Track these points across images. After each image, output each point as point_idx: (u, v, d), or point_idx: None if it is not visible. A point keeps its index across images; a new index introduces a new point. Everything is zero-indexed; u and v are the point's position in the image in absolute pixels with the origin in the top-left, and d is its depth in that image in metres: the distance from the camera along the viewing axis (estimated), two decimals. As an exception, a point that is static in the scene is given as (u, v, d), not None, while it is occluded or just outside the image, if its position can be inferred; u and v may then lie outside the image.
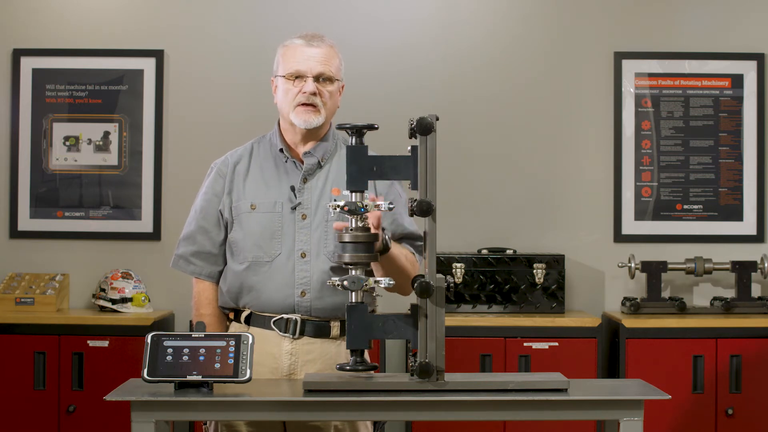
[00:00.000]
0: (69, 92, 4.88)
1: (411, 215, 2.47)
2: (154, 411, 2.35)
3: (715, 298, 4.75)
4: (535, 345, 4.42)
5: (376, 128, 2.62)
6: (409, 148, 2.47)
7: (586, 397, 2.42)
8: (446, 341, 2.42)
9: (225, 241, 2.93)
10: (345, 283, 2.44)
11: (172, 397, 2.37)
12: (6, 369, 4.40)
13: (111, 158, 4.88)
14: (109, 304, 4.62)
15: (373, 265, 2.71)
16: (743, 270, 4.68)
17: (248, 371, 2.40)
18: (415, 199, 2.43)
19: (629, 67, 4.89)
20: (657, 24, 4.92)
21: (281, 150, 2.91)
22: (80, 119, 4.88)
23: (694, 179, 4.89)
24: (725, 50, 4.90)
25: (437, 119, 2.43)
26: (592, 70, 4.91)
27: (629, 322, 4.44)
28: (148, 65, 4.87)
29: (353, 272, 2.47)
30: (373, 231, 2.52)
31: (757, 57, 4.89)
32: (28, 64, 4.88)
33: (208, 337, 2.44)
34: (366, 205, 2.46)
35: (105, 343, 4.39)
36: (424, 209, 2.41)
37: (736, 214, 4.89)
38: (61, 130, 4.87)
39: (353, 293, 2.46)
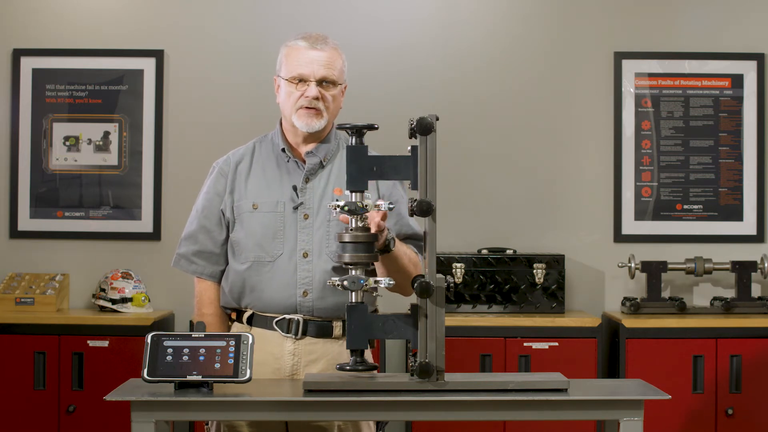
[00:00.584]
0: (69, 92, 4.88)
1: (411, 215, 2.47)
2: (154, 411, 2.35)
3: (715, 298, 4.75)
4: (535, 345, 4.42)
5: (376, 128, 2.62)
6: (409, 148, 2.47)
7: (586, 397, 2.42)
8: (446, 341, 2.42)
9: (227, 241, 2.92)
10: (345, 283, 2.44)
11: (172, 397, 2.37)
12: (6, 369, 4.40)
13: (111, 158, 4.88)
14: (109, 304, 4.62)
15: (376, 265, 2.71)
16: (743, 270, 4.68)
17: (248, 371, 2.40)
18: (415, 199, 2.43)
19: (629, 67, 4.89)
20: (657, 24, 4.93)
21: (283, 150, 2.90)
22: (80, 119, 4.88)
23: (694, 179, 4.89)
24: (725, 50, 4.90)
25: (437, 119, 2.43)
26: (592, 70, 4.91)
27: (629, 322, 4.44)
28: (148, 65, 4.87)
29: (353, 272, 2.47)
30: (376, 229, 2.52)
31: (757, 57, 4.89)
32: (28, 64, 4.88)
33: (208, 337, 2.44)
34: (366, 205, 2.46)
35: (105, 343, 4.39)
36: (424, 209, 2.41)
37: (736, 214, 4.89)
38: (61, 130, 4.87)
39: (353, 293, 2.46)
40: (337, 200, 2.47)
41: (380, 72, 4.87)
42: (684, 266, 4.71)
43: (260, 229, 2.85)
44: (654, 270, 4.68)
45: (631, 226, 4.89)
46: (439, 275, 2.42)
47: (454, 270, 4.56)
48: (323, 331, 2.84)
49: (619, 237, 4.89)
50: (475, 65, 4.92)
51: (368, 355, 2.80)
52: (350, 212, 2.46)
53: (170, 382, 2.39)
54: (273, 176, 2.90)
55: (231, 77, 4.90)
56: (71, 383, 4.39)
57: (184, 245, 2.97)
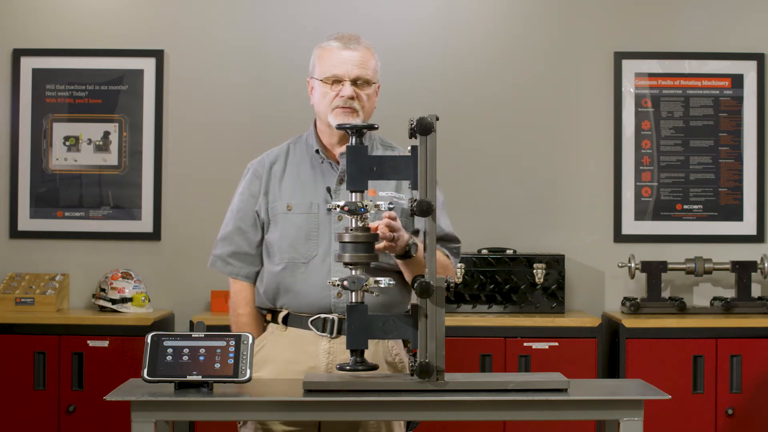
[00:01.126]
0: (69, 92, 4.88)
1: (411, 215, 2.47)
2: (154, 411, 2.35)
3: (715, 298, 4.75)
4: (535, 345, 4.42)
5: (376, 128, 2.63)
6: (409, 148, 2.48)
7: (586, 397, 2.42)
8: (446, 341, 2.42)
9: (262, 242, 2.93)
10: (345, 283, 2.44)
11: (172, 397, 2.37)
12: (6, 369, 4.40)
13: (111, 158, 4.88)
14: (109, 304, 4.62)
15: (401, 268, 2.73)
16: (743, 270, 4.68)
17: (248, 371, 2.40)
18: (415, 199, 2.43)
19: (629, 67, 4.89)
20: (657, 24, 4.93)
21: (317, 151, 2.91)
22: (80, 119, 4.88)
23: (694, 179, 4.89)
24: (725, 50, 4.90)
25: (437, 119, 2.43)
26: (592, 70, 4.91)
27: (629, 322, 4.44)
28: (148, 65, 4.87)
29: (353, 272, 2.47)
30: (388, 234, 2.52)
31: (757, 57, 4.89)
32: (28, 64, 4.88)
33: (208, 337, 2.44)
34: (366, 205, 2.46)
35: (105, 343, 4.39)
36: (424, 209, 2.41)
37: (736, 214, 4.89)
38: (61, 130, 4.87)
39: (353, 293, 2.46)
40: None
41: (380, 72, 4.85)
42: (684, 266, 4.71)
43: (294, 231, 2.85)
44: (654, 270, 4.68)
45: (631, 226, 4.89)
46: (439, 275, 2.42)
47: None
48: None
49: (619, 237, 4.89)
50: (475, 65, 4.92)
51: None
52: (350, 212, 2.46)
53: (170, 382, 2.39)
54: (307, 178, 2.90)
55: (231, 77, 4.90)
56: (71, 383, 4.39)
57: (219, 246, 2.98)
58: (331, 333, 2.81)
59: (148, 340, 2.42)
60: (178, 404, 2.37)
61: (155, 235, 4.85)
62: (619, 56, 4.89)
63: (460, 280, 4.56)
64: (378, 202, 2.49)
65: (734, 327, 4.45)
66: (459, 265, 4.54)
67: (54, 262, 4.85)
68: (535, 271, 4.59)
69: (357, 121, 2.83)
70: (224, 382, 2.40)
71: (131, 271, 4.71)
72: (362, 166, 2.46)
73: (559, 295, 4.60)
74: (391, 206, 2.51)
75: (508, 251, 4.70)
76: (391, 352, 2.83)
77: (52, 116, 4.87)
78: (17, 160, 4.86)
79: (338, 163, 2.90)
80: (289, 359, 2.82)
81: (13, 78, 4.87)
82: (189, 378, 2.38)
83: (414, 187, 2.46)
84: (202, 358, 2.40)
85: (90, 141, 4.88)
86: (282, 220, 2.88)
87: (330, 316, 2.82)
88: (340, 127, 2.56)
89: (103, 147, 4.88)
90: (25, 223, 4.87)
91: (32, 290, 4.63)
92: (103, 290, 4.65)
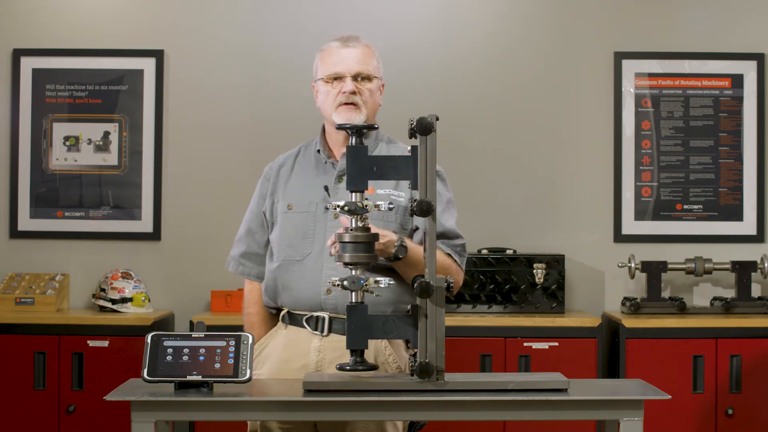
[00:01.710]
0: (69, 92, 4.88)
1: (411, 215, 2.47)
2: (154, 411, 2.35)
3: (715, 298, 4.75)
4: (535, 345, 4.42)
5: (376, 128, 2.63)
6: (409, 148, 2.48)
7: (586, 397, 2.42)
8: (446, 341, 2.42)
9: (269, 242, 2.98)
10: (345, 283, 2.44)
11: (172, 397, 2.37)
12: (6, 369, 4.40)
13: (111, 158, 4.88)
14: (109, 304, 4.62)
15: (397, 270, 2.74)
16: (743, 270, 4.68)
17: (248, 371, 2.40)
18: (415, 200, 2.43)
19: (629, 67, 4.89)
20: (657, 24, 4.92)
21: (318, 151, 2.94)
22: (80, 119, 4.88)
23: (694, 179, 4.89)
24: (725, 50, 4.90)
25: (437, 119, 2.43)
26: (592, 70, 4.91)
27: (629, 322, 4.44)
28: (148, 65, 4.87)
29: (353, 272, 2.47)
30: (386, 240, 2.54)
31: (757, 57, 4.89)
32: (28, 64, 4.88)
33: (208, 337, 2.44)
34: (366, 205, 2.46)
35: (105, 343, 4.39)
36: (424, 209, 2.41)
37: (736, 214, 4.89)
38: (61, 130, 4.87)
39: (353, 293, 2.46)
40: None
41: (383, 70, 4.85)
42: (684, 266, 4.71)
43: (292, 229, 2.89)
44: (654, 270, 4.68)
45: (631, 226, 4.88)
46: (439, 275, 2.42)
47: (454, 270, 4.55)
48: None
49: (619, 237, 4.89)
50: (475, 65, 4.92)
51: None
52: (350, 212, 2.46)
53: (170, 382, 2.39)
54: (310, 177, 2.94)
55: (231, 77, 4.90)
56: (71, 383, 4.39)
57: (234, 247, 3.06)
58: (322, 331, 2.82)
59: (148, 340, 2.42)
60: (178, 404, 2.37)
61: (155, 235, 4.85)
62: (619, 56, 4.89)
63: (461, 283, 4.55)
64: (378, 202, 2.49)
65: (734, 327, 4.45)
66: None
67: (54, 262, 4.85)
68: (535, 271, 4.59)
69: (360, 116, 2.86)
70: (224, 382, 2.40)
71: (131, 271, 4.71)
72: (362, 166, 2.46)
73: (559, 295, 4.60)
74: (391, 206, 2.51)
75: (508, 251, 4.70)
76: (384, 352, 2.83)
77: (52, 116, 4.87)
78: (17, 160, 4.86)
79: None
80: (284, 357, 2.85)
81: (13, 78, 4.87)
82: (189, 378, 2.38)
83: (414, 187, 2.46)
84: (202, 358, 2.40)
85: (90, 141, 4.88)
86: (282, 220, 2.92)
87: (321, 314, 2.83)
88: (340, 127, 2.56)
89: (103, 147, 4.88)
90: (25, 223, 4.87)
91: (32, 290, 4.63)
92: (103, 290, 4.65)
